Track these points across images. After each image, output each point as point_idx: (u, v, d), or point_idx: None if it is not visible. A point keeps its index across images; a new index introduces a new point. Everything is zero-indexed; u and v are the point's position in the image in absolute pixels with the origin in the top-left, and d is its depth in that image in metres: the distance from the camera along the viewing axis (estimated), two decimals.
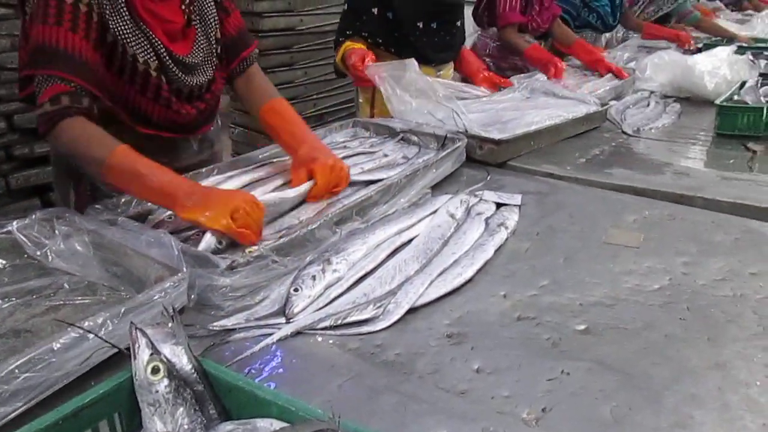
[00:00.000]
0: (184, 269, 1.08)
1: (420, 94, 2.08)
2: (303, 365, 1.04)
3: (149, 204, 1.39)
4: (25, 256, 1.25)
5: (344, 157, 1.75)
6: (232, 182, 1.54)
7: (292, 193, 1.46)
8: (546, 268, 1.34)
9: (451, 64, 2.72)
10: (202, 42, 1.60)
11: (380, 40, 2.43)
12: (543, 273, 1.32)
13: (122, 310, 0.95)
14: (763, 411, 0.93)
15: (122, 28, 1.42)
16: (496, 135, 1.93)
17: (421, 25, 2.44)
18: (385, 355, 1.06)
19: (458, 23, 2.59)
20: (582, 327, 1.14)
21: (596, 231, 1.50)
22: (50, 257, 1.24)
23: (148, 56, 1.47)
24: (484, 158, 1.93)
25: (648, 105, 2.73)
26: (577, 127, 2.27)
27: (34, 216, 1.28)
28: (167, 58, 1.50)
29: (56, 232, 1.25)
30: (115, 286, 1.20)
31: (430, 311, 1.18)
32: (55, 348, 0.87)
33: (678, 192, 1.72)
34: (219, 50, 1.66)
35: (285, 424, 0.73)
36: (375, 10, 2.39)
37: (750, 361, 1.04)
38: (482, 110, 2.27)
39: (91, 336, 0.90)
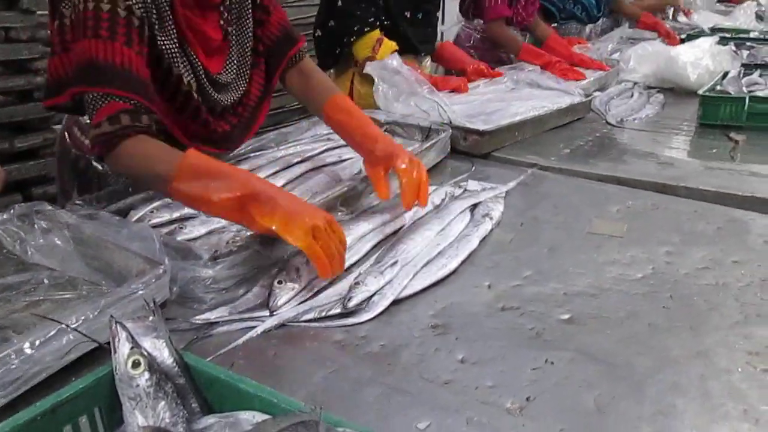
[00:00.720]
0: (166, 262, 1.07)
1: (404, 87, 2.08)
2: (287, 358, 1.03)
3: (129, 199, 1.37)
4: (4, 251, 1.23)
5: (329, 149, 1.75)
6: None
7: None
8: (530, 259, 1.34)
9: (429, 57, 2.74)
10: (234, 56, 1.49)
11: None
12: (527, 263, 1.32)
13: (102, 304, 0.94)
14: (744, 398, 0.93)
15: (170, 46, 1.34)
16: (481, 126, 1.93)
17: (408, 15, 2.46)
18: (369, 347, 1.05)
19: (437, 14, 2.61)
20: (566, 317, 1.14)
21: (580, 221, 1.51)
22: (29, 252, 1.22)
23: (190, 77, 1.39)
24: (469, 149, 1.93)
25: (632, 96, 2.74)
26: (561, 118, 2.28)
27: (12, 210, 1.26)
28: (204, 77, 1.41)
29: (35, 226, 1.23)
30: (96, 280, 1.19)
31: (415, 302, 1.18)
32: (35, 343, 0.86)
33: (661, 182, 1.73)
34: (256, 60, 1.56)
35: (267, 417, 0.72)
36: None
37: (732, 349, 1.05)
38: (466, 101, 2.27)
39: (70, 331, 0.89)
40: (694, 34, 3.77)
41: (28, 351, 0.86)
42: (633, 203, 1.61)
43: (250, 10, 1.52)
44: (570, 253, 1.36)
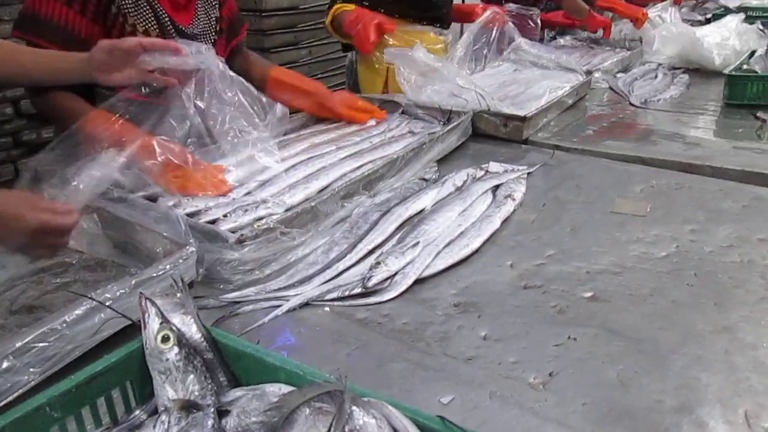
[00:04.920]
0: (192, 243, 1.09)
1: (435, 77, 2.04)
2: (312, 336, 1.05)
3: (159, 188, 1.40)
4: None
5: (351, 132, 1.77)
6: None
7: None
8: (553, 238, 1.34)
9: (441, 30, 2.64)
10: (201, 15, 1.67)
11: (366, 3, 2.38)
12: (550, 243, 1.32)
13: (132, 283, 0.97)
14: None
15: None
16: (521, 111, 1.93)
17: None
18: (392, 325, 1.07)
19: None
20: (589, 294, 1.14)
21: (603, 201, 1.50)
22: None
23: (150, 25, 1.54)
24: (510, 136, 1.92)
25: (656, 77, 2.71)
26: (571, 97, 2.27)
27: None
28: (170, 26, 1.57)
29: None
30: (124, 262, 1.22)
31: (437, 282, 1.19)
32: (68, 320, 0.89)
33: (686, 161, 1.72)
34: (219, 28, 1.72)
35: (293, 388, 0.74)
36: None
37: (757, 325, 1.05)
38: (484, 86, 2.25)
39: (101, 309, 0.91)
40: (719, 14, 3.70)
41: (62, 329, 0.89)
42: (657, 183, 1.60)
43: None
44: (593, 233, 1.36)
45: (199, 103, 1.46)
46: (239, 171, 1.45)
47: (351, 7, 2.34)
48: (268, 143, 1.52)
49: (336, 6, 2.36)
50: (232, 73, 1.48)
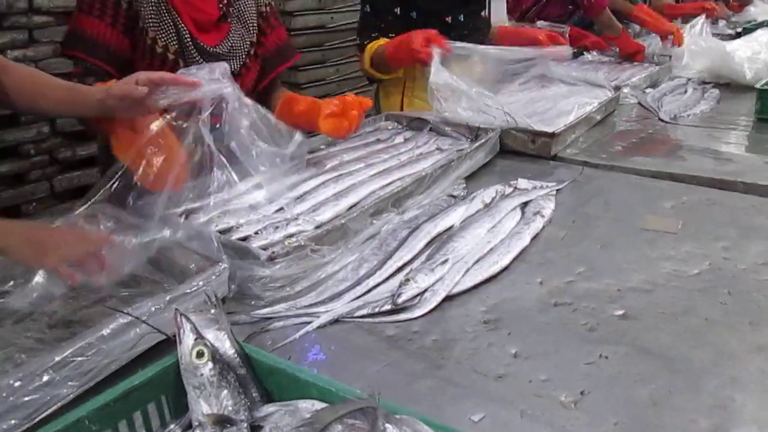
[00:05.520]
0: (225, 259, 1.11)
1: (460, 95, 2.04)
2: (341, 352, 1.06)
3: (193, 203, 1.42)
4: None
5: (379, 150, 1.78)
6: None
7: None
8: (582, 255, 1.34)
9: None
10: (235, 38, 1.71)
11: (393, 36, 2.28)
12: (579, 260, 1.32)
13: (167, 299, 0.99)
14: None
15: (148, 13, 1.57)
16: (549, 128, 1.93)
17: (449, 20, 2.35)
18: (421, 342, 1.07)
19: (483, 13, 2.47)
20: (619, 312, 1.14)
21: (633, 218, 1.49)
22: None
23: (170, 41, 1.61)
24: (538, 152, 1.92)
25: (685, 92, 2.69)
26: (599, 113, 2.26)
27: (77, 212, 1.32)
28: (190, 44, 1.63)
29: (101, 227, 1.29)
30: (158, 279, 1.24)
31: (466, 299, 1.20)
32: (105, 334, 0.91)
33: (717, 177, 1.70)
34: (254, 52, 1.77)
35: (325, 405, 0.75)
36: (397, 10, 2.29)
37: None
38: (512, 102, 2.25)
39: (138, 323, 0.93)
40: (750, 27, 3.67)
41: (99, 344, 0.91)
42: (688, 199, 1.59)
43: (254, 12, 1.79)
44: (623, 250, 1.35)
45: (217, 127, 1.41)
46: (270, 187, 1.47)
47: (383, 41, 2.22)
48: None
49: (369, 46, 2.24)
50: (248, 101, 1.42)
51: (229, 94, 1.36)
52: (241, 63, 1.75)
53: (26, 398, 0.83)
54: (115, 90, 1.30)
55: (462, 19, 2.38)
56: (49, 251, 1.08)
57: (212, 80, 1.33)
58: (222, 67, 1.36)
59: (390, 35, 2.24)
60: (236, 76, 1.69)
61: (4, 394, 0.82)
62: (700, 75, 2.88)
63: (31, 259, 1.08)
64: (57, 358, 0.86)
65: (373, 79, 2.43)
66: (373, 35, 2.26)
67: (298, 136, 1.54)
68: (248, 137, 1.43)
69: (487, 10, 2.46)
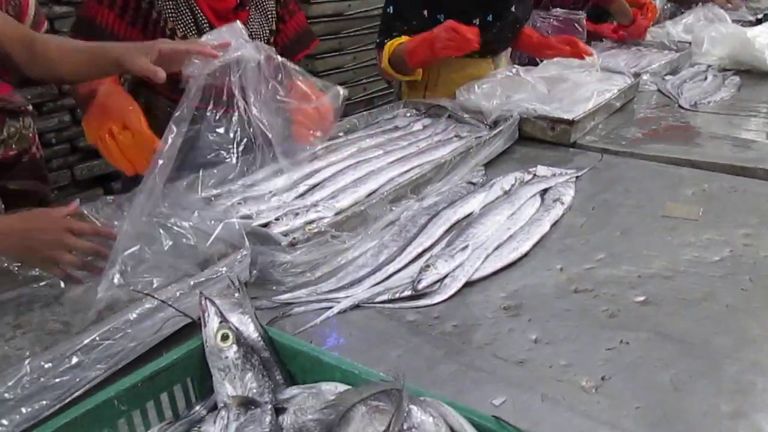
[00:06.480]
0: (247, 245, 1.12)
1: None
2: (362, 337, 1.07)
3: (214, 190, 1.44)
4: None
5: (397, 137, 1.78)
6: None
7: None
8: (602, 242, 1.33)
9: (506, 51, 2.57)
10: (253, 25, 1.69)
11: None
12: (599, 246, 1.31)
13: (191, 284, 1.00)
14: None
15: (166, 3, 1.57)
16: (568, 115, 1.92)
17: (477, 22, 2.24)
18: (442, 327, 1.08)
19: (512, 8, 2.37)
20: (640, 298, 1.13)
21: (653, 205, 1.49)
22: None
23: (188, 30, 1.59)
24: (557, 139, 1.91)
25: (705, 79, 2.66)
26: (619, 100, 2.24)
27: (101, 200, 1.33)
28: (208, 31, 1.57)
29: (124, 213, 1.31)
30: (180, 265, 1.25)
31: (487, 285, 1.20)
32: (131, 318, 0.92)
33: (737, 164, 1.69)
34: (273, 40, 1.75)
35: (349, 387, 0.76)
36: (425, 12, 2.20)
37: None
38: (530, 90, 2.24)
39: (163, 308, 0.95)
40: None
41: (126, 327, 0.93)
42: (708, 186, 1.57)
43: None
44: (643, 236, 1.35)
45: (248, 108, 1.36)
46: (292, 174, 1.48)
47: (404, 38, 2.13)
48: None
49: (387, 45, 2.14)
50: (267, 70, 1.35)
51: (250, 57, 1.30)
52: None
53: (57, 380, 0.85)
54: (131, 57, 1.24)
55: (490, 19, 2.30)
56: (34, 258, 1.09)
57: (234, 49, 1.28)
58: (237, 27, 1.31)
59: (411, 35, 2.15)
60: None
61: (36, 375, 0.83)
62: (721, 62, 2.84)
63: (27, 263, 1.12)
64: (86, 341, 0.88)
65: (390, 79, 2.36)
66: (393, 34, 2.16)
67: (335, 89, 1.51)
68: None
69: (515, 6, 2.38)
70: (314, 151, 1.62)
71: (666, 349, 0.99)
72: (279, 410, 0.77)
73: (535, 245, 1.31)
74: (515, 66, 2.30)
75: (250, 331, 0.85)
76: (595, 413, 0.87)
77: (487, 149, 1.71)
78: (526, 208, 1.43)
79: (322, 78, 1.70)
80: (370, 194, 1.45)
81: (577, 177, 1.63)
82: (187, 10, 1.59)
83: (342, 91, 1.52)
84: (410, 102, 2.13)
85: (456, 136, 1.83)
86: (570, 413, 0.87)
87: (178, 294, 0.99)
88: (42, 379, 0.84)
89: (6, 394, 0.81)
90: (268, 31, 1.75)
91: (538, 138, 1.92)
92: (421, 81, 2.28)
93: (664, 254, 1.27)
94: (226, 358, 0.80)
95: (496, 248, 1.28)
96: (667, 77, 2.65)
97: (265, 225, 1.29)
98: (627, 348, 1.00)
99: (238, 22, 1.33)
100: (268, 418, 0.74)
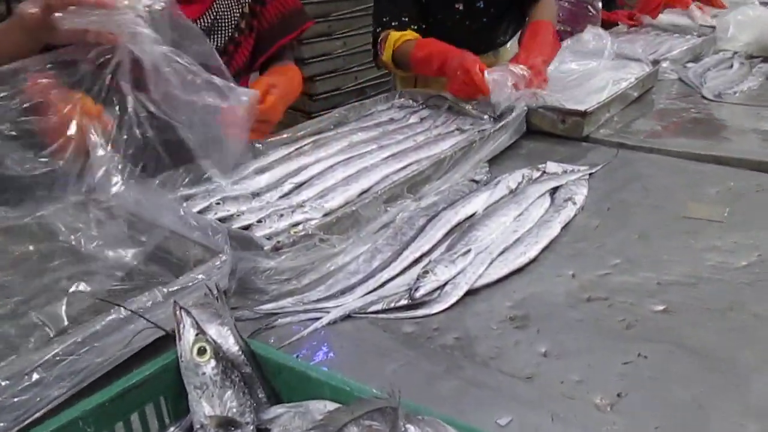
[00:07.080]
0: (226, 249, 1.12)
1: None
2: (353, 351, 1.07)
3: (193, 189, 1.44)
4: (59, 240, 1.31)
5: (393, 131, 1.79)
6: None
7: None
8: (618, 246, 1.34)
9: (509, 48, 2.55)
10: (220, 9, 1.67)
11: (424, 26, 2.27)
12: (615, 251, 1.32)
13: (165, 292, 1.00)
14: None
15: None
16: (580, 106, 1.92)
17: (460, 7, 2.29)
18: (442, 339, 1.08)
19: None
20: (660, 308, 1.14)
21: (674, 205, 1.49)
22: (83, 242, 1.29)
23: None
24: (568, 133, 1.92)
25: (731, 67, 2.67)
26: (636, 90, 2.25)
27: (67, 200, 1.33)
28: None
29: (90, 216, 1.31)
30: (153, 272, 1.25)
31: (491, 293, 1.20)
32: (98, 329, 0.92)
33: (766, 160, 1.69)
34: (244, 25, 1.72)
35: (339, 405, 0.76)
36: None
37: None
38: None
39: (133, 319, 0.95)
40: None
41: (91, 341, 0.93)
42: (734, 184, 1.58)
43: None
44: (663, 240, 1.35)
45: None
46: (275, 171, 1.48)
47: (412, 35, 2.14)
48: None
49: (390, 37, 2.15)
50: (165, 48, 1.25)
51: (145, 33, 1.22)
52: (227, 37, 1.71)
53: (15, 399, 0.85)
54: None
55: (481, 6, 2.32)
56: None
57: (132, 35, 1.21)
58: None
59: (404, 19, 2.20)
60: (222, 53, 1.63)
61: None
62: (747, 48, 2.85)
63: None
64: (47, 356, 0.87)
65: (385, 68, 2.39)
66: (384, 20, 2.21)
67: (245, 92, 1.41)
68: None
69: None
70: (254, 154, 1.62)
71: (687, 363, 1.00)
72: (262, 431, 0.77)
73: (544, 249, 1.32)
74: None
75: (230, 344, 0.85)
76: None
77: (491, 144, 1.71)
78: (534, 208, 1.44)
79: (311, 66, 1.69)
80: (362, 193, 1.46)
81: (590, 174, 1.63)
82: None
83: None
84: (407, 92, 2.14)
85: (457, 129, 1.83)
86: None
87: (149, 304, 0.99)
88: None
89: None
90: (238, 14, 1.71)
91: (548, 131, 1.93)
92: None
93: (685, 259, 1.28)
94: (204, 374, 0.80)
95: (502, 253, 1.28)
96: (689, 65, 2.67)
97: (247, 227, 1.29)
98: (645, 362, 1.01)
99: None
100: None
